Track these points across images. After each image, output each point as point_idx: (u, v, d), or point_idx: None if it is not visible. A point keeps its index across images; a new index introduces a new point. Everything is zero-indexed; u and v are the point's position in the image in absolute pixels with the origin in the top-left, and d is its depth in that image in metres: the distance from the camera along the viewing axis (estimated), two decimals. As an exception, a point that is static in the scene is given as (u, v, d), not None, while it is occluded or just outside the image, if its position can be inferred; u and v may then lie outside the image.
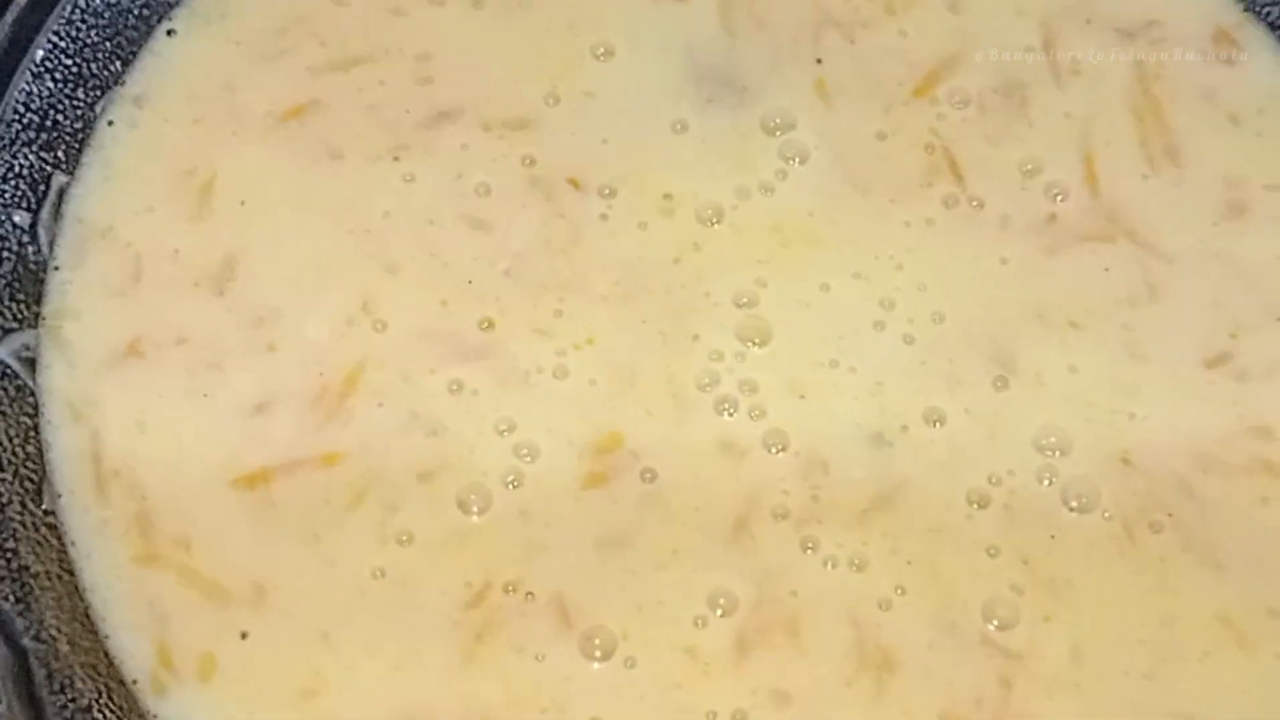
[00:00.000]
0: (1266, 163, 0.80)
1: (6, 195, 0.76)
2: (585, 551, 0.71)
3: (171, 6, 0.81)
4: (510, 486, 0.72)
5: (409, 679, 0.69)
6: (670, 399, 0.74)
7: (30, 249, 0.76)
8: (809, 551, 0.72)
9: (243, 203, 0.77)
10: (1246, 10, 0.83)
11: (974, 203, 0.78)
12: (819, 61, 0.81)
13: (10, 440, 0.72)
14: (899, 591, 0.71)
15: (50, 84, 0.78)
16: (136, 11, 0.80)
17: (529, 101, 0.80)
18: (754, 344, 0.75)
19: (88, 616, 0.70)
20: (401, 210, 0.77)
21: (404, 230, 0.77)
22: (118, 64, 0.80)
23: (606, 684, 0.69)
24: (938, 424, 0.74)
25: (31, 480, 0.72)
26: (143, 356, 0.74)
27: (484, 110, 0.79)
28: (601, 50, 0.81)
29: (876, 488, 0.73)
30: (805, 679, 0.70)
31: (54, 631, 0.69)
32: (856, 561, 0.72)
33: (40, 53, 0.77)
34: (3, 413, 0.73)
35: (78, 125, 0.78)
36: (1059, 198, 0.79)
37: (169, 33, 0.81)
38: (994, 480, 0.73)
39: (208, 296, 0.75)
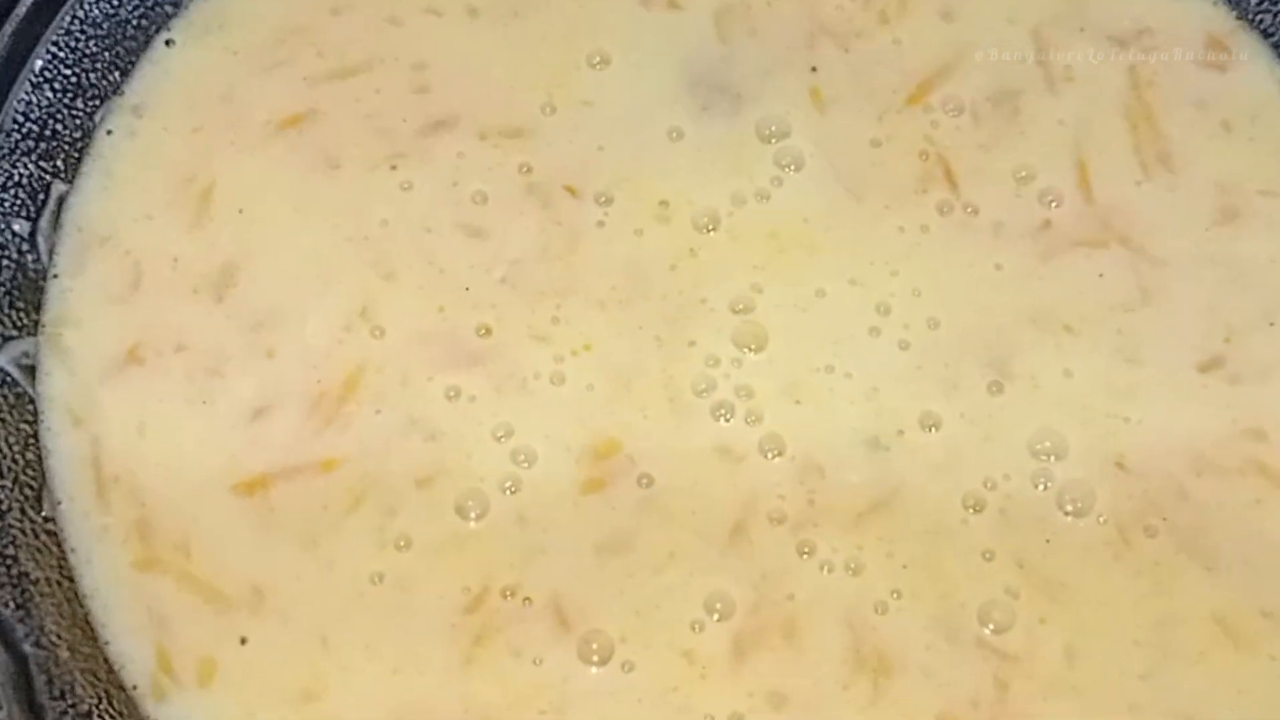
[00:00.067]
0: (1259, 168, 0.80)
1: (6, 204, 0.76)
2: (583, 556, 0.72)
3: (170, 17, 0.82)
4: (508, 492, 0.73)
5: (408, 682, 0.69)
6: (667, 404, 0.74)
7: (30, 257, 0.76)
8: (805, 555, 0.72)
9: (241, 211, 0.78)
10: (1239, 18, 0.83)
11: (968, 209, 0.79)
12: (814, 70, 0.81)
13: (10, 447, 0.73)
14: (895, 595, 0.71)
15: (49, 94, 0.78)
16: (135, 22, 0.81)
17: (525, 110, 0.80)
18: (750, 349, 0.75)
19: (88, 622, 0.71)
20: (399, 218, 0.78)
21: (401, 238, 0.77)
22: (117, 74, 0.80)
23: (604, 687, 0.70)
24: (933, 428, 0.74)
25: (31, 487, 0.72)
26: (142, 363, 0.75)
27: (480, 119, 0.80)
28: (597, 59, 0.81)
29: (872, 492, 0.73)
30: (802, 682, 0.70)
31: (54, 637, 0.69)
32: (853, 565, 0.72)
33: (39, 63, 0.78)
34: (3, 420, 0.73)
35: (77, 134, 0.79)
36: (1053, 204, 0.79)
37: (167, 43, 0.81)
38: (989, 484, 0.73)
39: (207, 303, 0.76)
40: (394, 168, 0.79)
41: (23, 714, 0.67)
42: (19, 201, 0.76)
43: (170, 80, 0.81)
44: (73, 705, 0.68)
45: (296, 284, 0.76)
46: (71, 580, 0.71)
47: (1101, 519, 0.73)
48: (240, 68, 0.81)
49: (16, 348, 0.75)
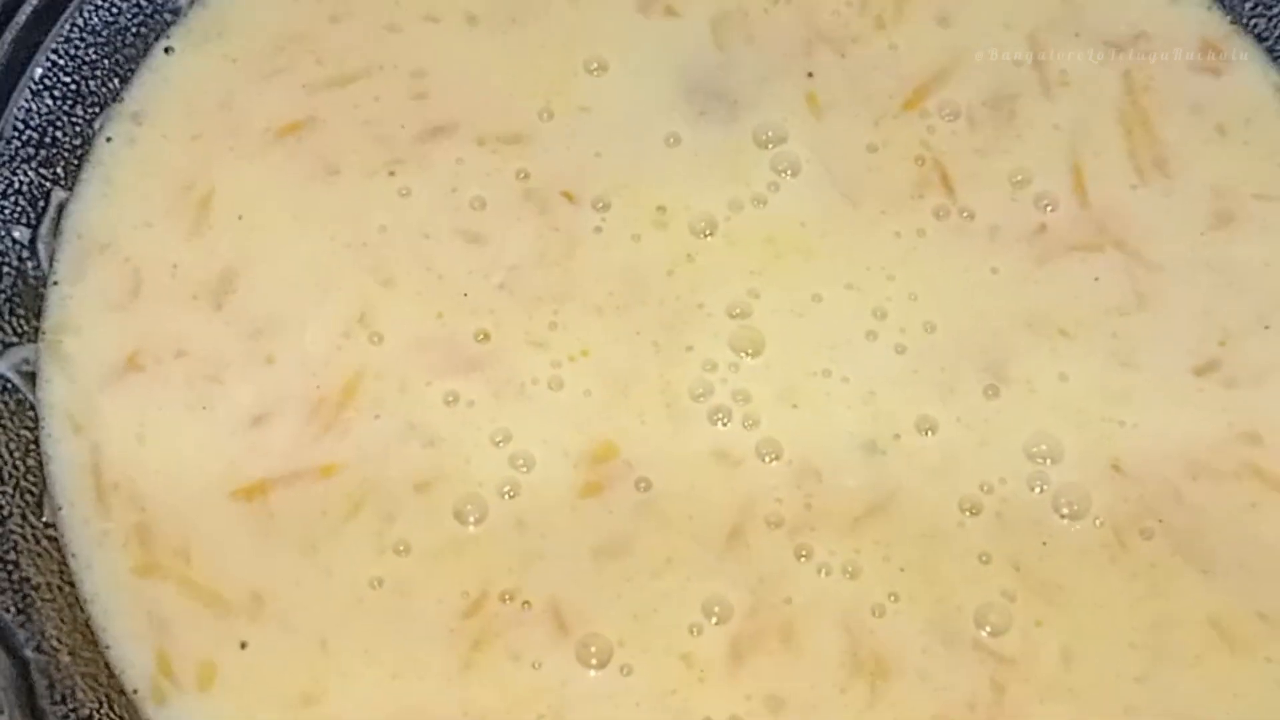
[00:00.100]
0: (1254, 172, 0.80)
1: (6, 211, 0.76)
2: (581, 560, 0.72)
3: (169, 25, 0.82)
4: (506, 496, 0.73)
5: (407, 687, 0.70)
6: (664, 409, 0.75)
7: (30, 264, 0.77)
8: (803, 559, 0.72)
9: (240, 217, 0.78)
10: (1233, 22, 0.83)
11: (964, 214, 0.79)
12: (810, 75, 0.82)
13: (11, 453, 0.73)
14: (892, 598, 0.72)
15: (49, 101, 0.78)
16: (135, 30, 0.81)
17: (523, 116, 0.80)
18: (747, 354, 0.76)
19: (88, 627, 0.71)
20: (397, 224, 0.78)
21: (400, 244, 0.77)
22: (116, 81, 0.80)
23: (603, 691, 0.70)
24: (930, 432, 0.74)
25: (32, 493, 0.73)
26: (142, 370, 0.75)
27: (478, 125, 0.80)
28: (595, 65, 0.82)
29: (869, 496, 0.73)
30: (799, 685, 0.70)
31: (55, 642, 0.70)
32: (850, 569, 0.72)
33: (39, 70, 0.78)
34: (3, 426, 0.73)
35: (77, 142, 0.79)
36: (1048, 208, 0.79)
37: (167, 50, 0.82)
38: (986, 488, 0.73)
39: (206, 310, 0.76)
40: (392, 174, 0.79)
41: (24, 718, 0.67)
42: (19, 209, 0.77)
43: (170, 88, 0.81)
44: (74, 710, 0.68)
45: (295, 290, 0.76)
46: (72, 585, 0.71)
47: (1097, 522, 0.73)
48: (239, 75, 0.81)
49: (17, 354, 0.75)
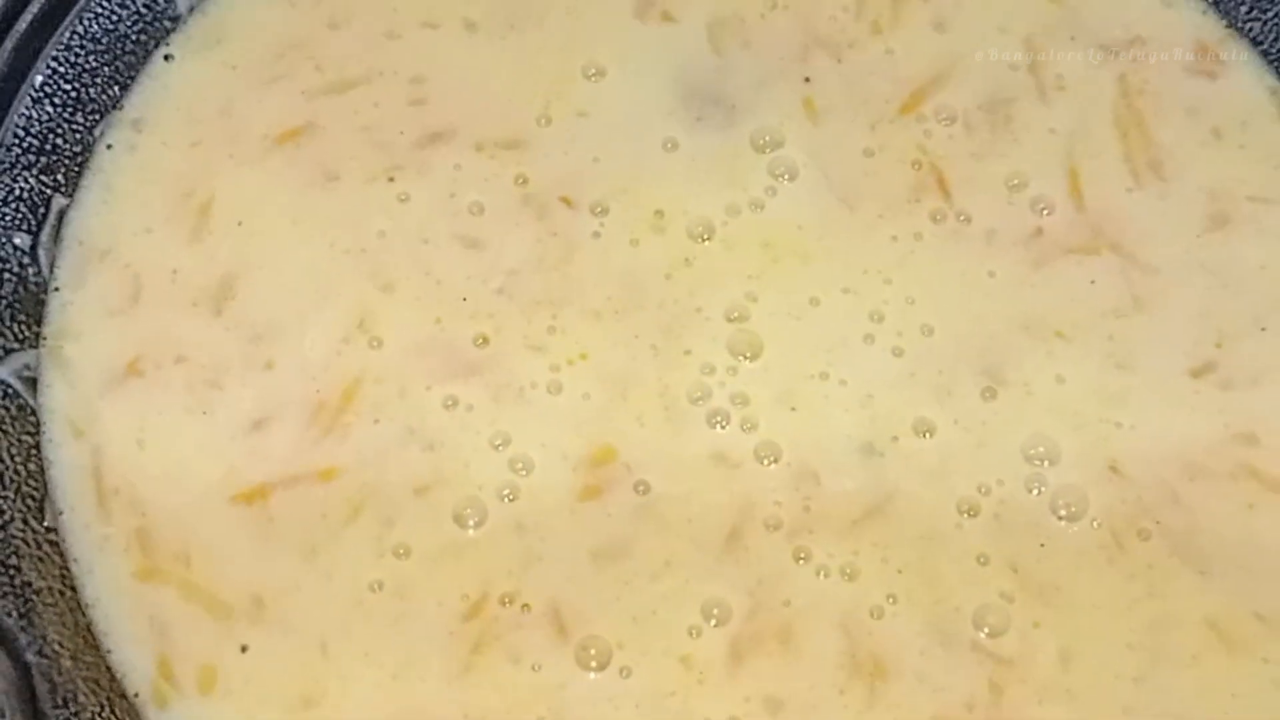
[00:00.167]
0: (1249, 175, 0.80)
1: (7, 218, 0.77)
2: (580, 563, 0.72)
3: (169, 32, 0.82)
4: (505, 500, 0.73)
5: (407, 689, 0.70)
6: (663, 412, 0.75)
7: (31, 270, 0.77)
8: (801, 561, 0.72)
9: (240, 223, 0.78)
10: (1229, 26, 0.83)
11: (961, 217, 0.79)
12: (807, 80, 0.82)
13: (12, 458, 0.73)
14: (890, 600, 0.72)
15: (50, 109, 0.78)
16: (134, 37, 0.81)
17: (521, 121, 0.80)
18: (745, 357, 0.76)
19: (90, 631, 0.71)
20: (396, 230, 0.78)
21: (399, 249, 0.78)
22: (116, 89, 0.81)
23: (602, 693, 0.70)
24: (927, 435, 0.75)
25: (33, 497, 0.73)
26: (142, 375, 0.75)
27: (477, 131, 0.80)
28: (593, 71, 0.82)
29: (867, 498, 0.73)
30: (798, 687, 0.70)
31: (56, 646, 0.70)
32: (848, 571, 0.72)
33: (40, 78, 0.78)
34: (5, 431, 0.73)
35: (77, 149, 0.79)
36: (1045, 212, 0.79)
37: (166, 58, 0.82)
38: (983, 490, 0.74)
39: (206, 315, 0.76)
40: (391, 180, 0.79)
41: (26, 723, 0.68)
42: (20, 215, 0.77)
43: (169, 95, 0.81)
44: (75, 714, 0.68)
45: (295, 296, 0.76)
46: (73, 590, 0.72)
47: (1095, 523, 0.73)
48: (239, 82, 0.81)
49: (18, 360, 0.75)
